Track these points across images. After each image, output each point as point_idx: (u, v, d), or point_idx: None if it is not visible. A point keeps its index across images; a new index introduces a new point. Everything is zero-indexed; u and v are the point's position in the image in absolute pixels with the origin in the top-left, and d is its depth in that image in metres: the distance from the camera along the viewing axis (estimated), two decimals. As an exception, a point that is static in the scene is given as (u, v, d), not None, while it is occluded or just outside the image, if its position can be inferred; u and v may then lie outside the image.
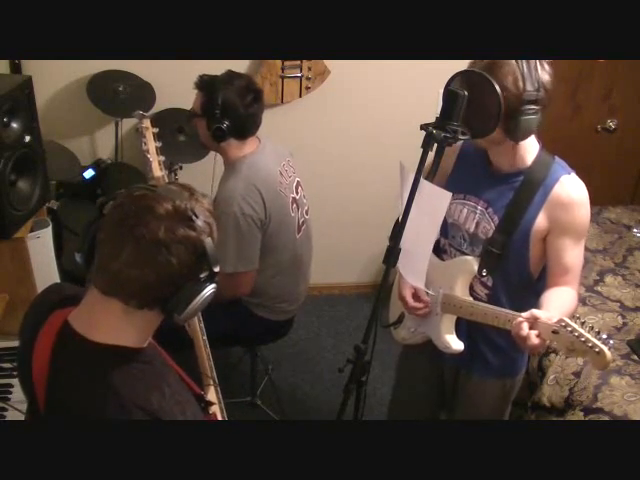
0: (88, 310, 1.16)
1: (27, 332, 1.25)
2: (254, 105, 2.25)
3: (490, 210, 1.76)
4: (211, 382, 1.75)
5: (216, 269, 1.12)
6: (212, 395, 1.71)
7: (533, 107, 1.58)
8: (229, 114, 2.20)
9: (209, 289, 1.13)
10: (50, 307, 1.23)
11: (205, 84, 2.25)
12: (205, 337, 1.82)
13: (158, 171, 1.94)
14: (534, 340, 1.51)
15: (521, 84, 1.55)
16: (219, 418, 1.59)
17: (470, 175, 1.79)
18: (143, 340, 1.18)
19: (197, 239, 1.09)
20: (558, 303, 1.64)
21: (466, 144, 1.78)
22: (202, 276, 1.12)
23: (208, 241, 1.11)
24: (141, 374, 1.15)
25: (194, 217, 1.10)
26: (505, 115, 1.57)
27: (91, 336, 1.13)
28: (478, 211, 1.79)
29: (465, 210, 1.81)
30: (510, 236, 1.72)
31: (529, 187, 1.70)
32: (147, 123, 2.02)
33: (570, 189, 1.68)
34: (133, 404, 1.09)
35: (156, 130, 2.03)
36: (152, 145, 1.98)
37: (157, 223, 1.07)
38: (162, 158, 1.97)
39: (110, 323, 1.13)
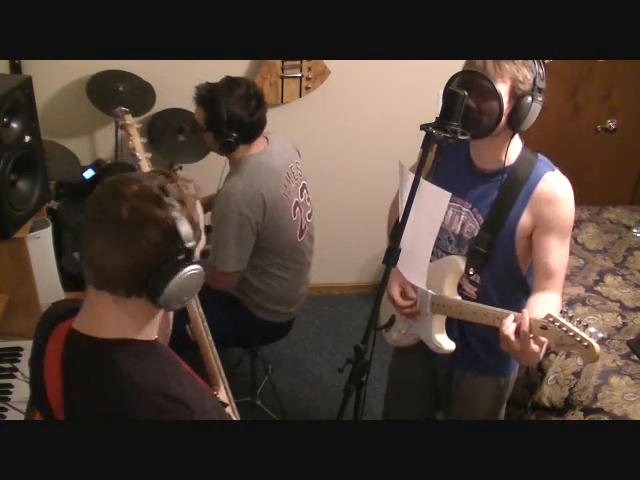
0: (88, 309, 1.15)
1: (35, 349, 1.23)
2: (258, 111, 2.24)
3: (475, 209, 1.76)
4: (220, 383, 1.72)
5: (189, 244, 1.08)
6: (223, 396, 1.69)
7: (540, 95, 1.60)
8: (236, 126, 2.19)
9: (188, 270, 1.09)
10: (55, 320, 1.22)
11: (205, 99, 2.21)
12: (210, 338, 1.78)
13: (147, 168, 1.88)
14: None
15: (534, 70, 1.58)
16: (233, 419, 1.58)
17: (453, 176, 1.76)
18: (148, 332, 1.16)
19: (166, 217, 1.06)
20: (544, 310, 1.63)
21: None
22: (180, 257, 1.08)
23: (179, 218, 1.07)
24: (156, 364, 1.13)
25: (162, 195, 1.07)
26: (516, 100, 1.58)
27: (96, 334, 1.12)
28: (464, 212, 1.78)
29: (450, 212, 1.80)
30: (496, 235, 1.72)
31: (513, 185, 1.70)
32: (130, 119, 1.92)
33: (554, 185, 1.68)
34: (152, 391, 1.08)
35: (139, 126, 1.93)
36: (138, 142, 1.90)
37: (123, 204, 1.05)
38: (149, 155, 1.89)
39: (108, 317, 1.12)
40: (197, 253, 1.14)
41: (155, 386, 1.09)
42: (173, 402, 1.08)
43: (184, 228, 1.07)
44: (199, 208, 1.16)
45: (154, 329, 1.18)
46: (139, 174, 1.13)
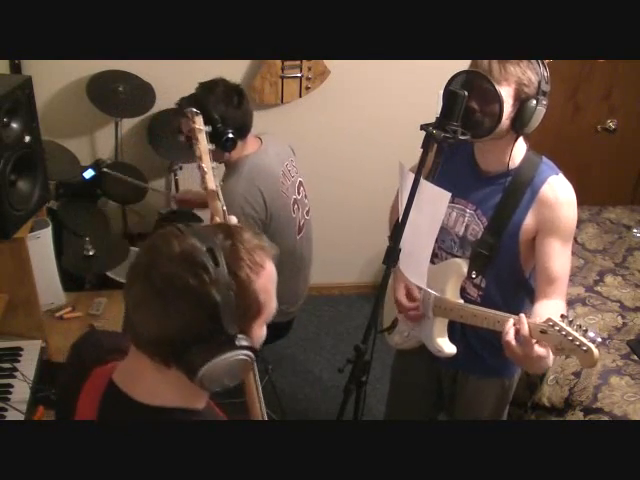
0: (129, 366, 1.04)
1: (66, 391, 1.13)
2: (243, 103, 2.25)
3: (479, 211, 1.76)
4: None
5: (232, 329, 0.93)
6: None
7: (544, 99, 1.60)
8: (229, 122, 2.19)
9: (228, 356, 0.94)
10: (90, 364, 1.11)
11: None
12: (261, 394, 1.68)
13: (212, 183, 1.66)
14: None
15: (539, 73, 1.58)
16: None
17: (458, 178, 1.78)
18: (192, 400, 1.05)
19: (204, 292, 0.91)
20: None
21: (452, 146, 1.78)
22: (219, 338, 0.94)
23: (223, 295, 0.91)
24: None
25: (208, 263, 0.91)
26: (521, 103, 1.58)
27: (136, 395, 1.02)
28: (467, 214, 1.78)
29: (454, 213, 1.80)
30: (499, 237, 1.72)
31: (517, 188, 1.70)
32: (200, 122, 1.70)
33: (557, 189, 1.68)
34: None
35: (209, 129, 1.72)
36: (205, 149, 1.68)
37: (159, 266, 0.92)
38: (214, 165, 1.70)
39: (148, 381, 1.01)
40: (257, 329, 1.01)
41: None
42: None
43: (227, 309, 0.92)
44: (269, 278, 1.02)
45: (204, 398, 1.08)
46: (197, 228, 0.98)
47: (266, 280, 1.01)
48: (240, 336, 0.96)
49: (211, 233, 0.97)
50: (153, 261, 0.94)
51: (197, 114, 1.71)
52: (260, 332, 1.03)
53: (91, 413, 1.06)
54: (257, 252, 0.99)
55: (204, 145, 1.68)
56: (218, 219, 1.70)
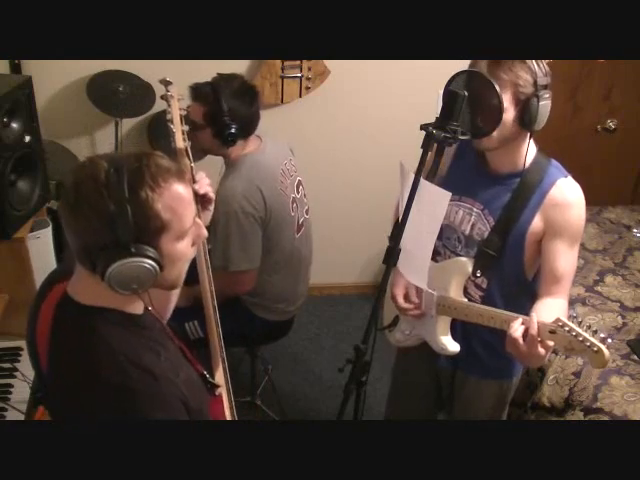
0: (75, 277, 1.19)
1: (31, 310, 1.27)
2: (255, 103, 2.26)
3: (486, 211, 1.76)
4: (220, 364, 1.68)
5: (125, 237, 1.07)
6: (220, 377, 1.67)
7: (546, 92, 1.60)
8: (236, 117, 2.20)
9: (124, 262, 1.07)
10: (51, 282, 1.26)
11: (202, 93, 2.21)
12: (218, 317, 1.73)
13: (181, 142, 1.84)
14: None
15: (533, 70, 1.57)
16: (225, 400, 1.57)
17: (466, 177, 1.79)
18: (127, 304, 1.18)
19: (102, 205, 1.05)
20: (550, 315, 1.63)
21: (462, 145, 1.78)
22: (118, 248, 1.07)
23: (115, 210, 1.05)
24: (135, 335, 1.16)
25: (109, 180, 1.05)
26: (522, 104, 1.58)
27: (81, 300, 1.16)
28: (474, 213, 1.78)
29: (461, 212, 1.81)
30: (505, 238, 1.72)
31: (526, 189, 1.70)
32: (174, 91, 1.90)
33: (566, 191, 1.68)
34: (122, 354, 1.11)
35: (182, 98, 1.91)
36: (177, 114, 1.87)
37: (76, 185, 1.08)
38: (186, 128, 1.87)
39: (87, 286, 1.15)
40: (169, 245, 1.12)
41: (126, 351, 1.12)
42: (139, 370, 1.11)
43: (122, 221, 1.06)
44: (173, 198, 1.11)
45: (137, 304, 1.20)
46: (114, 154, 1.14)
47: (170, 200, 1.11)
48: (141, 246, 1.08)
49: (125, 158, 1.11)
50: (71, 183, 1.10)
51: (170, 83, 1.89)
52: (173, 248, 1.14)
53: (47, 322, 1.19)
54: (162, 174, 1.11)
55: (176, 110, 1.86)
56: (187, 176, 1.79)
